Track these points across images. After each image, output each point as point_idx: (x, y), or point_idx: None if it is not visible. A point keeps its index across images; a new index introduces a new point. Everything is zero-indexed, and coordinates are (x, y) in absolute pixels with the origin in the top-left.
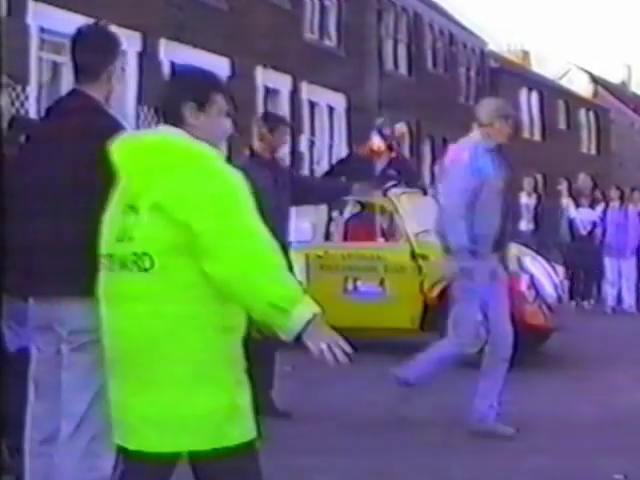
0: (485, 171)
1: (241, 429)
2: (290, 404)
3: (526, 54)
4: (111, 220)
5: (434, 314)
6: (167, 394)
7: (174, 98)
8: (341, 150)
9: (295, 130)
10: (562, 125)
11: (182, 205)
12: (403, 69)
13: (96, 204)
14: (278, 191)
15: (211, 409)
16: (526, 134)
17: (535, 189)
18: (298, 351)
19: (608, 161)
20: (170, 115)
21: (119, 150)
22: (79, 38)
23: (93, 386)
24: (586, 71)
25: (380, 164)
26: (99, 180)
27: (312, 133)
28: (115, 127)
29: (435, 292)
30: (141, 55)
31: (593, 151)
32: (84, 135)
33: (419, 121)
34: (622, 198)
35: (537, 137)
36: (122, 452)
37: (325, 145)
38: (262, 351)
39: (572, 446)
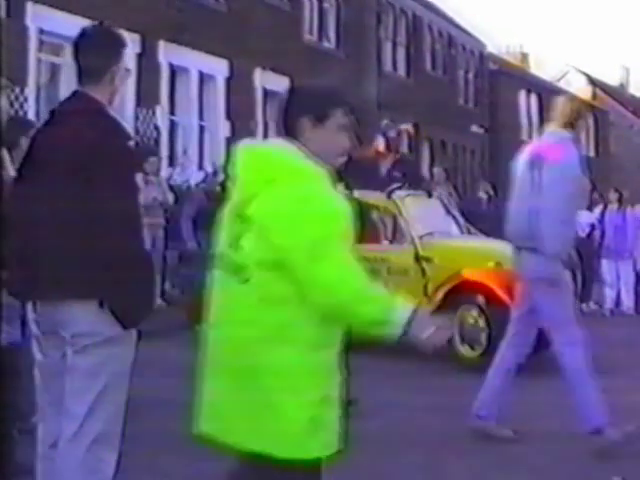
0: (582, 172)
1: (320, 444)
2: None
3: (525, 56)
4: (227, 223)
5: (438, 317)
6: (253, 400)
7: (293, 111)
8: None
9: None
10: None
11: (276, 223)
12: (402, 71)
13: (99, 208)
14: None
15: (292, 420)
16: (524, 136)
17: None
18: None
19: (607, 163)
20: (288, 128)
21: (237, 157)
22: (82, 39)
23: (95, 389)
24: (584, 73)
25: (385, 166)
26: (102, 184)
27: None
28: (116, 130)
29: (439, 296)
30: (140, 56)
31: (592, 153)
32: (86, 139)
33: (417, 123)
34: (620, 200)
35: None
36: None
37: None
38: None
39: (571, 448)
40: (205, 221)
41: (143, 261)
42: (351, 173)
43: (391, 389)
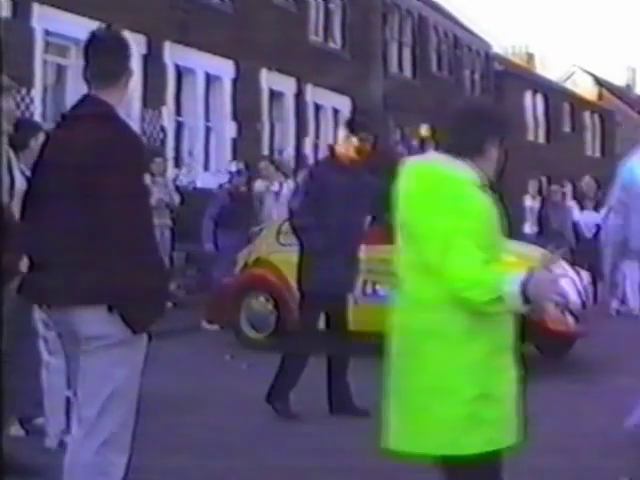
0: None
1: (479, 440)
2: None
3: (531, 57)
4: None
5: None
6: (411, 400)
7: (479, 130)
8: None
9: (300, 133)
10: (567, 128)
11: (421, 222)
12: (408, 72)
13: (112, 214)
14: (348, 195)
15: (448, 418)
16: (531, 136)
17: (539, 192)
18: None
19: (613, 164)
20: (468, 145)
21: (403, 173)
22: (95, 43)
23: (106, 391)
24: (590, 74)
25: None
26: (115, 189)
27: (317, 136)
28: (128, 135)
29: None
30: (146, 58)
31: (598, 154)
32: (100, 144)
33: (424, 123)
34: None
35: (542, 140)
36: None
37: None
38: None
39: (578, 448)
40: (227, 221)
41: (155, 266)
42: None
43: None
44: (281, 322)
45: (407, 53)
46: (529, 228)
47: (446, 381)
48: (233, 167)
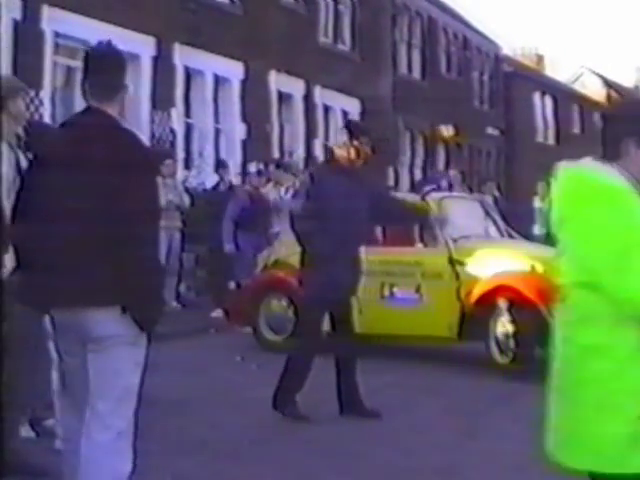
0: None
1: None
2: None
3: (540, 58)
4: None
5: (472, 322)
6: (574, 414)
7: (617, 131)
8: None
9: (309, 134)
10: (576, 129)
11: (585, 244)
12: (417, 73)
13: (121, 218)
14: (349, 198)
15: (612, 435)
16: (540, 138)
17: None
18: None
19: None
20: (609, 149)
21: (556, 179)
22: (95, 58)
23: (118, 386)
24: (599, 75)
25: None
26: (124, 195)
27: (326, 137)
28: (135, 143)
29: (473, 299)
30: (155, 59)
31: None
32: (108, 152)
33: (432, 125)
34: None
35: (551, 141)
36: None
37: None
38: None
39: None
40: (246, 222)
41: (158, 268)
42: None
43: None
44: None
45: (416, 54)
46: (538, 230)
47: (610, 398)
48: (252, 168)
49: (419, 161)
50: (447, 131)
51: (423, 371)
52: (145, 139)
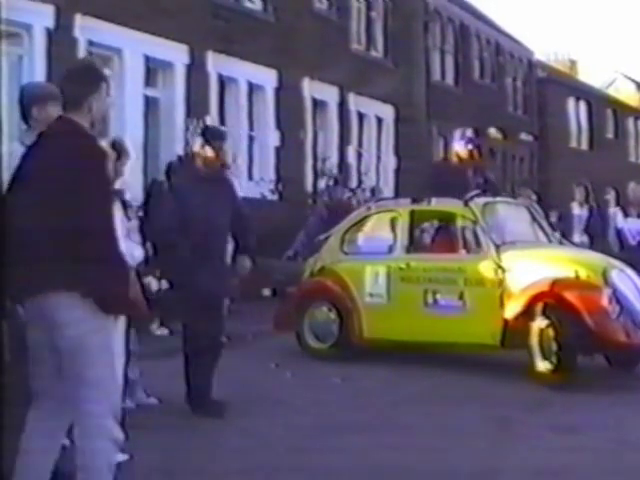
0: None
1: None
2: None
3: (573, 63)
4: None
5: (515, 330)
6: None
7: None
8: (389, 161)
9: (343, 141)
10: (610, 134)
11: None
12: (450, 79)
13: (81, 217)
14: (209, 202)
15: None
16: (574, 143)
17: (587, 199)
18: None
19: None
20: None
21: None
22: (67, 72)
23: (88, 374)
24: (633, 80)
25: (469, 173)
26: (81, 196)
27: (360, 144)
28: (93, 145)
29: (516, 307)
30: (189, 68)
31: None
32: (68, 155)
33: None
34: None
35: (585, 146)
36: None
37: (373, 156)
38: (202, 350)
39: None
40: (317, 232)
41: (118, 260)
42: (438, 181)
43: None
44: (344, 333)
45: (449, 61)
46: (578, 238)
47: None
48: (330, 180)
49: None
50: (496, 134)
51: (460, 378)
52: (179, 147)
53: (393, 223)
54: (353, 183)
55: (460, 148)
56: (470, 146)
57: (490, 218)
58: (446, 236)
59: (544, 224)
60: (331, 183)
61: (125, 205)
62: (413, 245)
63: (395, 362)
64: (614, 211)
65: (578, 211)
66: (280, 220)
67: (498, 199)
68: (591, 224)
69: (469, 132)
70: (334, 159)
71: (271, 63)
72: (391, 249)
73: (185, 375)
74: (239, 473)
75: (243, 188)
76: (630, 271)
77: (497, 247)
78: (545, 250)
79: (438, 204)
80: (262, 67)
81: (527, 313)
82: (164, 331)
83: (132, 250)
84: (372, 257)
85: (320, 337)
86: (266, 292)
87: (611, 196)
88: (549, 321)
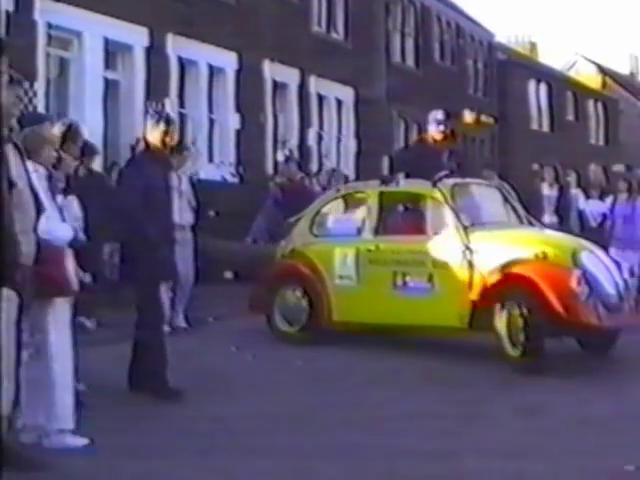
0: None
1: None
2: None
3: (534, 46)
4: None
5: (483, 312)
6: None
7: None
8: (349, 143)
9: (304, 124)
10: (570, 116)
11: None
12: (410, 61)
13: None
14: (168, 187)
15: None
16: (535, 125)
17: (557, 179)
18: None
19: (616, 152)
20: None
21: None
22: None
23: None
24: (593, 62)
25: (445, 154)
26: None
27: (320, 127)
28: None
29: (484, 288)
30: (149, 50)
31: (601, 142)
32: None
33: (427, 113)
34: (630, 190)
35: (545, 128)
36: None
37: (333, 138)
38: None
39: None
40: (286, 215)
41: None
42: (412, 162)
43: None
44: (313, 316)
45: (410, 43)
46: (548, 219)
47: None
48: (280, 156)
49: None
50: (470, 117)
51: (423, 360)
52: (139, 130)
53: (362, 205)
54: (314, 165)
55: (434, 130)
56: (442, 127)
57: (459, 199)
58: (415, 218)
59: (516, 205)
60: (282, 160)
61: (52, 185)
62: (382, 227)
63: (363, 344)
64: (575, 193)
65: (548, 192)
66: (241, 203)
67: (469, 180)
68: (561, 204)
69: (440, 114)
70: (294, 141)
71: (231, 45)
72: (360, 231)
73: (135, 360)
74: (199, 454)
75: (204, 171)
76: (601, 252)
77: (465, 228)
78: (514, 231)
79: (407, 185)
80: (222, 49)
81: (495, 295)
82: (90, 323)
83: (56, 230)
84: (341, 239)
85: (290, 320)
86: (228, 275)
87: (572, 178)
88: (517, 303)
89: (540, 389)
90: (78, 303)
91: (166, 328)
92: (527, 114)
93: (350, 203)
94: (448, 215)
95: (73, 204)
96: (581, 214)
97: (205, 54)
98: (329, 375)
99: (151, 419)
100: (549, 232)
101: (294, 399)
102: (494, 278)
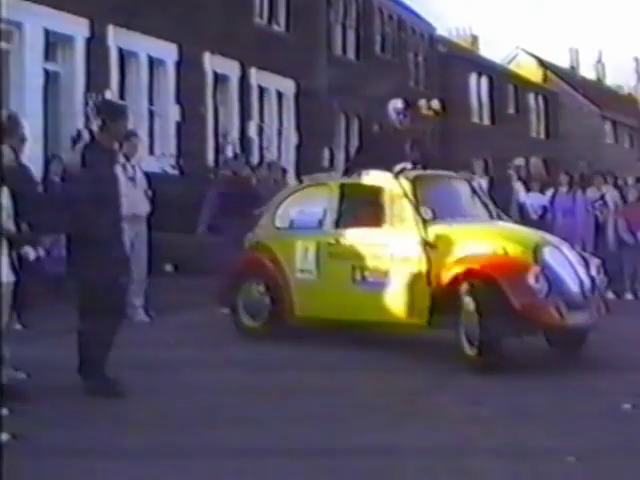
0: None
1: None
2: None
3: (475, 39)
4: None
5: (442, 309)
6: None
7: None
8: (290, 135)
9: (244, 116)
10: (511, 109)
11: None
12: (352, 54)
13: None
14: (115, 178)
15: None
16: (476, 119)
17: (486, 171)
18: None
19: (557, 145)
20: None
21: None
22: None
23: None
24: (534, 55)
25: (407, 145)
26: None
27: (261, 119)
28: None
29: (441, 284)
30: (89, 41)
31: (542, 135)
32: None
33: (368, 106)
34: (571, 183)
35: (486, 121)
36: None
37: (274, 131)
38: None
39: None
40: (228, 207)
41: None
42: (372, 153)
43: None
44: (276, 310)
45: (351, 36)
46: None
47: None
48: (229, 152)
49: (355, 142)
50: (436, 104)
51: (366, 352)
52: (79, 122)
53: (323, 197)
54: (254, 157)
55: (394, 119)
56: (402, 117)
57: (421, 192)
58: (375, 210)
59: (485, 199)
60: (230, 155)
61: None
62: (343, 220)
63: (310, 337)
64: (516, 186)
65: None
66: (181, 195)
67: (433, 172)
68: (491, 196)
69: (399, 103)
70: (235, 134)
71: (172, 37)
72: (321, 224)
73: (84, 350)
74: (135, 449)
75: (144, 163)
76: (566, 248)
77: (425, 222)
78: (476, 226)
79: (368, 177)
80: (163, 41)
81: (452, 292)
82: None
83: None
84: (303, 232)
85: (253, 315)
86: (168, 268)
87: (513, 171)
88: (473, 301)
89: (480, 381)
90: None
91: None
92: (468, 107)
93: (312, 195)
94: (407, 208)
95: (3, 194)
96: (522, 207)
97: (145, 45)
98: (270, 366)
99: (89, 413)
100: (513, 227)
101: (233, 391)
102: (451, 274)
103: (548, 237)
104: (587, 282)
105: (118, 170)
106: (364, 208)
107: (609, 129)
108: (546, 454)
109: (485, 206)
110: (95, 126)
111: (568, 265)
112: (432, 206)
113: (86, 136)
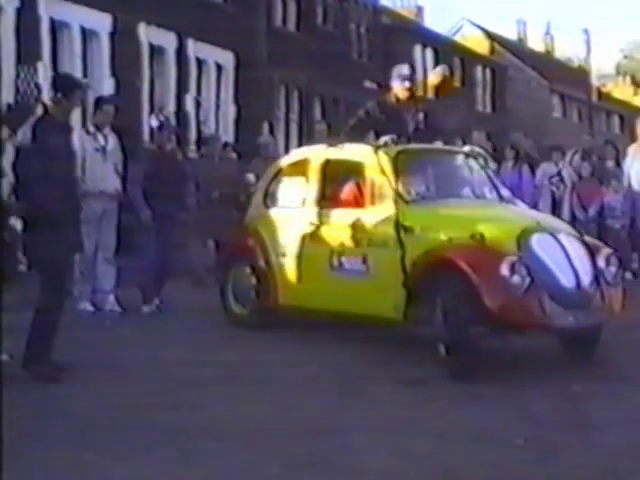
0: None
1: None
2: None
3: (419, 10)
4: None
5: (418, 302)
6: None
7: None
8: (228, 109)
9: (181, 89)
10: (457, 82)
11: None
12: (292, 25)
13: None
14: (70, 153)
15: None
16: (420, 91)
17: None
18: None
19: (504, 119)
20: None
21: None
22: None
23: None
24: (480, 27)
25: (409, 115)
26: None
27: (199, 92)
28: None
29: (416, 273)
30: (19, 11)
31: (489, 109)
32: None
33: (309, 79)
34: (517, 158)
35: (431, 94)
36: None
37: (212, 104)
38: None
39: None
40: (155, 187)
41: None
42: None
43: None
44: (261, 297)
45: (292, 6)
46: None
47: None
48: (153, 122)
49: (295, 116)
50: (436, 77)
51: (305, 338)
52: (10, 95)
53: (306, 174)
54: (192, 132)
55: (398, 87)
56: (408, 84)
57: (404, 168)
58: (358, 189)
59: (495, 179)
60: (156, 126)
61: None
62: (324, 199)
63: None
64: None
65: None
66: None
67: (422, 146)
68: None
69: (405, 69)
70: (171, 107)
71: (105, 7)
72: (304, 202)
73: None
74: (79, 431)
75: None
76: (564, 236)
77: (406, 203)
78: (461, 208)
79: (349, 151)
80: (96, 11)
81: (423, 283)
82: None
83: None
84: (287, 211)
85: (241, 301)
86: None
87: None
88: (446, 293)
89: (424, 363)
90: None
91: (89, 308)
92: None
93: (296, 172)
94: (385, 187)
95: None
96: None
97: (78, 16)
98: (211, 348)
99: (33, 398)
100: (506, 210)
101: (174, 373)
102: (423, 262)
103: (548, 223)
104: (587, 276)
105: (86, 141)
106: (348, 186)
107: (557, 102)
108: (489, 435)
109: (492, 185)
110: (48, 100)
111: (563, 256)
112: (418, 185)
113: (39, 110)
